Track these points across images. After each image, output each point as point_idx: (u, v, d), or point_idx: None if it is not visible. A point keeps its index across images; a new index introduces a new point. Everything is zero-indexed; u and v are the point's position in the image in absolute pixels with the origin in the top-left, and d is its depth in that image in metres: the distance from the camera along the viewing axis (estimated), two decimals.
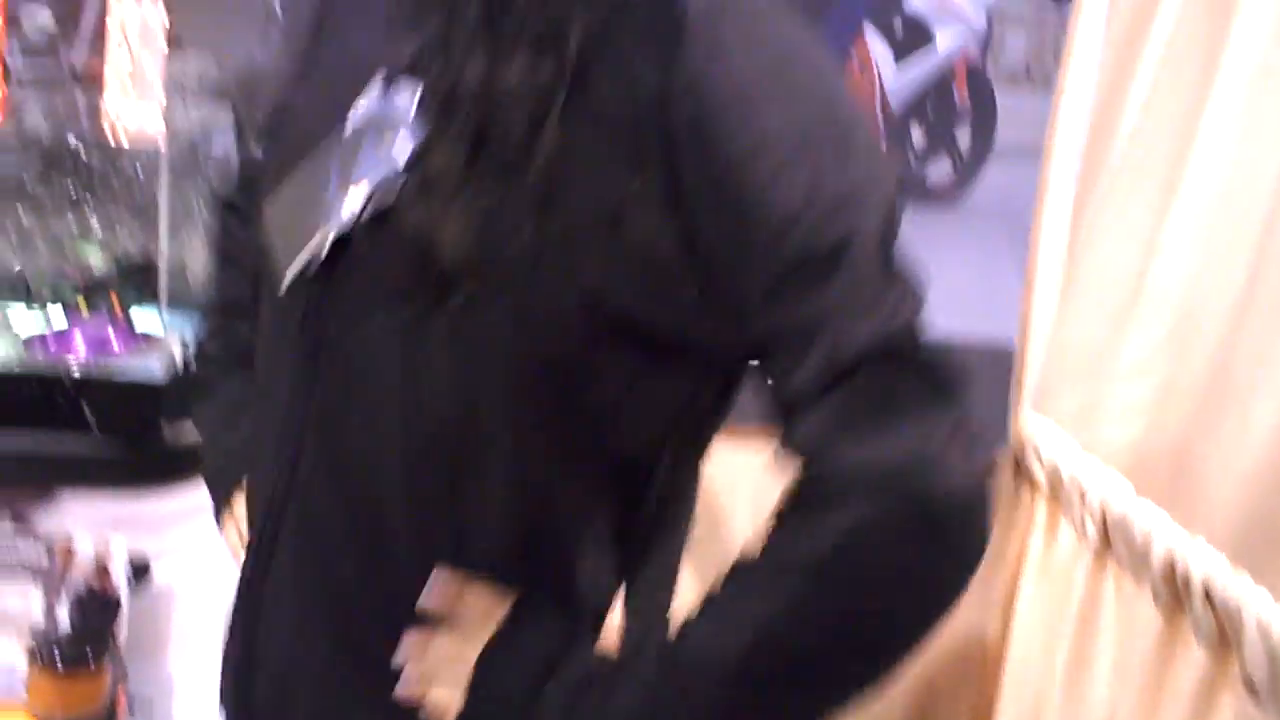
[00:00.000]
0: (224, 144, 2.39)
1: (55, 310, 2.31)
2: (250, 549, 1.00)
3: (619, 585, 0.99)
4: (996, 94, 2.23)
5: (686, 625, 0.86)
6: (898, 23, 2.31)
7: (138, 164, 2.44)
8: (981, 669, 1.61)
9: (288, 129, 1.03)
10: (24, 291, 2.37)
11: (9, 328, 2.24)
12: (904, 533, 0.81)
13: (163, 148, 2.30)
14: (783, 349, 0.85)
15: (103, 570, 2.05)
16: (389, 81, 0.92)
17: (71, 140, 2.44)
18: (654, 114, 0.83)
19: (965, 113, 2.24)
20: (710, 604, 0.86)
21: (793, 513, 0.84)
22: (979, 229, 2.11)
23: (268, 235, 0.99)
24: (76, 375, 2.04)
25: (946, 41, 2.27)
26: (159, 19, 2.30)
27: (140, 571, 2.09)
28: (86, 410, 2.00)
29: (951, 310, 1.99)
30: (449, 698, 0.90)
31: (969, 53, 2.27)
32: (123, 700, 2.03)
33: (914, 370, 0.84)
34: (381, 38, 0.95)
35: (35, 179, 2.49)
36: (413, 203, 0.86)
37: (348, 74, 0.95)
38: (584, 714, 0.86)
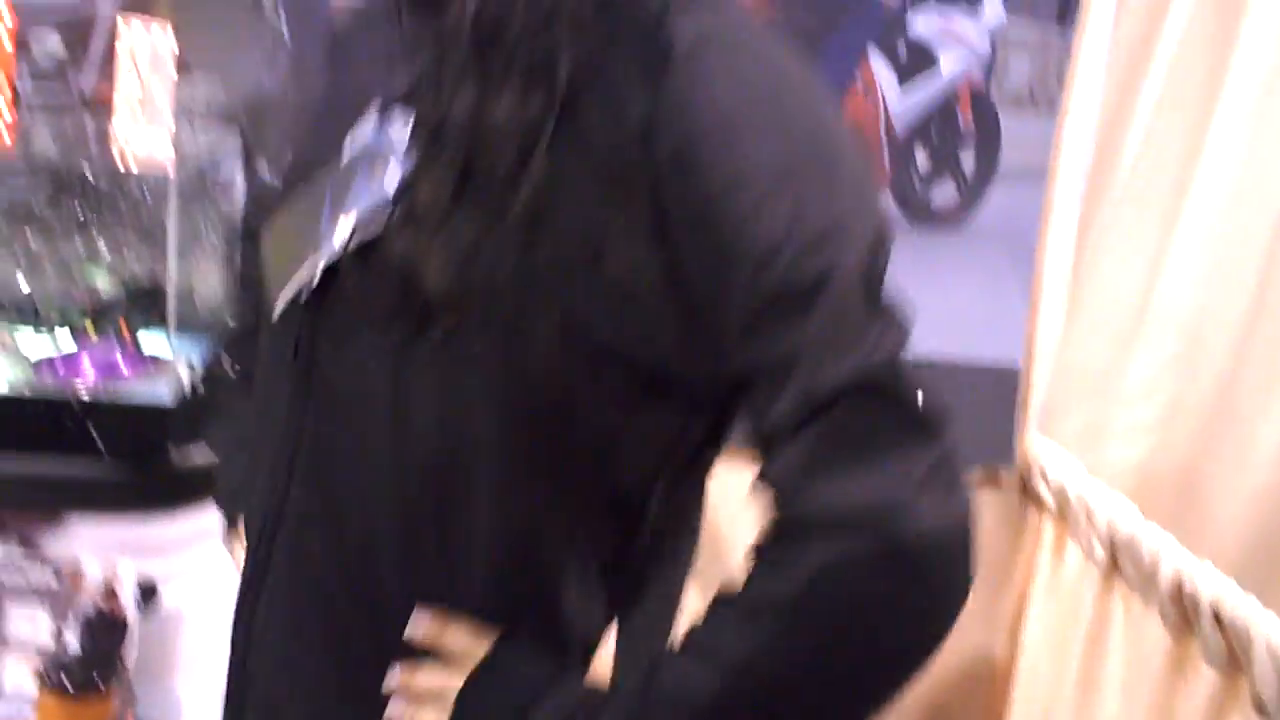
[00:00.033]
0: (232, 168, 2.40)
1: (63, 334, 2.31)
2: (243, 575, 1.00)
3: (611, 619, 0.98)
4: (1000, 117, 2.24)
5: (666, 659, 0.86)
6: (902, 47, 2.33)
7: (146, 188, 2.46)
8: (990, 688, 1.61)
9: (294, 158, 1.05)
10: (32, 315, 2.38)
11: (17, 351, 2.24)
12: (875, 574, 0.80)
13: (171, 173, 2.31)
14: (761, 383, 0.84)
15: (111, 593, 2.05)
16: (384, 113, 0.94)
17: (80, 165, 2.45)
18: (639, 145, 0.84)
19: (969, 135, 2.26)
20: (689, 639, 0.86)
21: (766, 550, 0.84)
22: (983, 251, 2.12)
23: (264, 262, 1.00)
24: (85, 399, 2.04)
25: (950, 65, 2.29)
26: (168, 45, 2.31)
27: (148, 595, 2.09)
28: (94, 434, 2.00)
29: (956, 332, 2.00)
30: None
31: (973, 76, 2.29)
32: None
33: (894, 407, 0.82)
34: (382, 70, 0.97)
35: (44, 203, 2.50)
36: (398, 233, 0.87)
37: (350, 105, 0.97)
38: None
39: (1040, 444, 1.59)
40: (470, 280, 0.85)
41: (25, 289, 2.43)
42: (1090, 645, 1.35)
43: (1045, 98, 2.09)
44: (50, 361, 2.19)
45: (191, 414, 2.04)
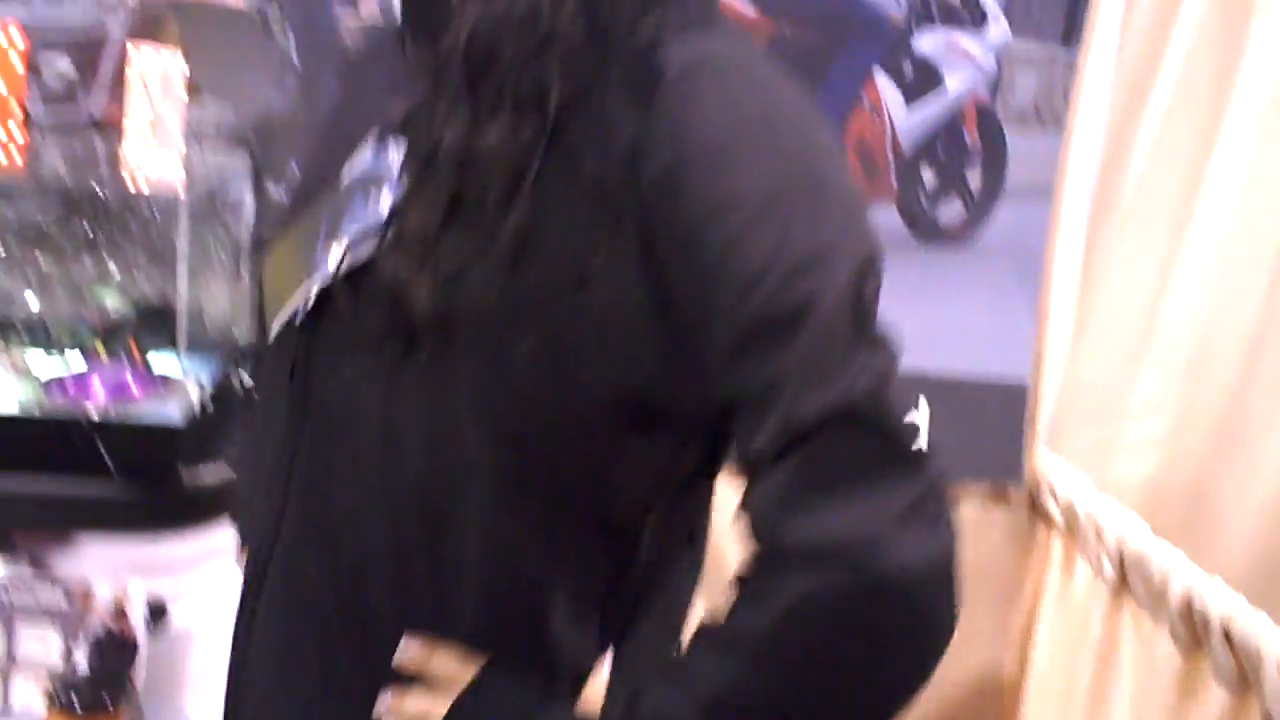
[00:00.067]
0: (241, 189, 2.42)
1: (73, 354, 2.32)
2: (241, 594, 1.01)
3: (603, 647, 0.96)
4: (1007, 134, 2.25)
5: (648, 688, 0.86)
6: (908, 65, 2.34)
7: (155, 209, 2.47)
8: (998, 706, 1.61)
9: (301, 181, 1.06)
10: (43, 336, 2.39)
11: (28, 372, 2.25)
12: (851, 607, 0.79)
13: (182, 194, 2.32)
14: (743, 412, 0.83)
15: (120, 613, 2.06)
16: (382, 138, 0.95)
17: (90, 186, 2.47)
18: (627, 169, 0.84)
19: (976, 153, 2.26)
20: (672, 668, 0.86)
21: (745, 583, 0.83)
22: (990, 268, 2.12)
23: (264, 283, 1.01)
24: (95, 419, 2.05)
25: (956, 83, 2.29)
26: (178, 69, 2.33)
27: (157, 614, 2.10)
28: (105, 454, 2.01)
29: (964, 348, 2.00)
30: None
31: (979, 94, 2.29)
32: None
33: (876, 438, 0.80)
34: (386, 98, 0.97)
35: (54, 224, 2.52)
36: (387, 258, 0.88)
37: (356, 130, 0.98)
38: None
39: (1048, 460, 1.59)
40: (456, 305, 0.85)
41: (37, 310, 2.44)
42: (1100, 663, 1.35)
43: (1051, 115, 2.11)
44: (60, 382, 2.20)
45: (201, 434, 2.05)
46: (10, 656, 2.09)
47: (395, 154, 0.93)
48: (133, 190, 2.36)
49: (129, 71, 2.31)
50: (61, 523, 2.03)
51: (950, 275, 2.20)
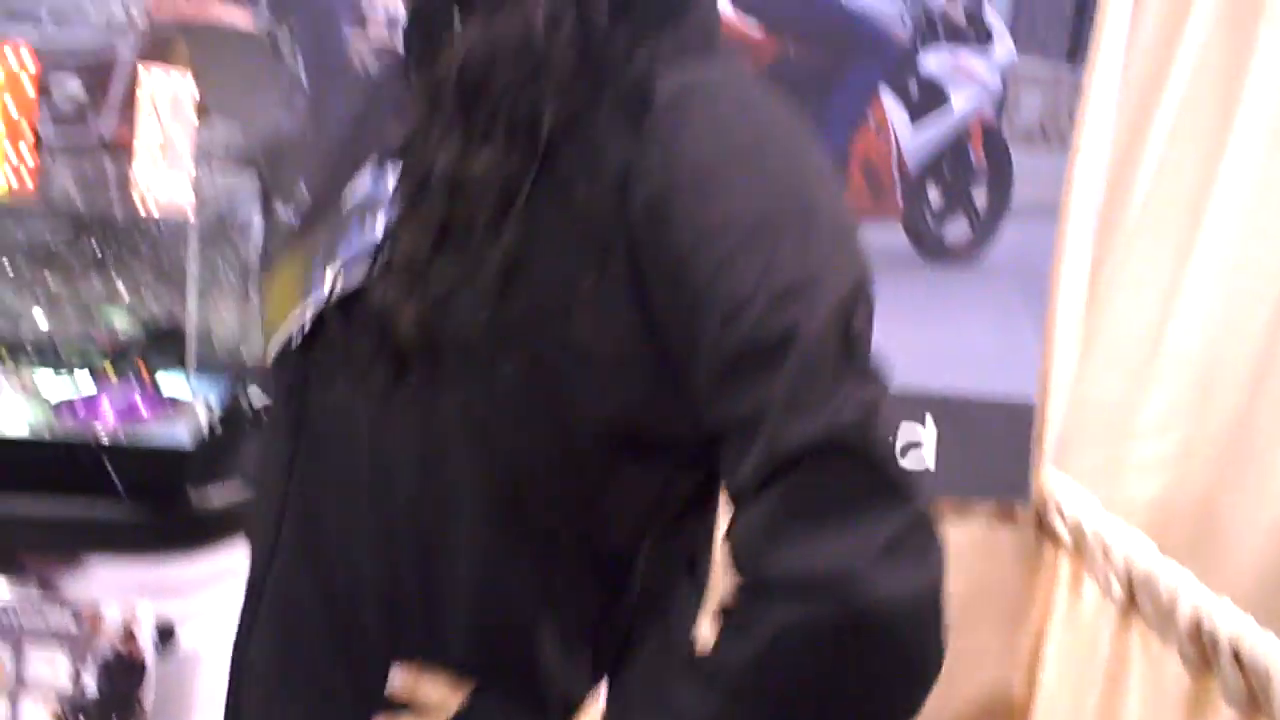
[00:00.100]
0: (250, 211, 2.43)
1: (83, 376, 2.33)
2: (240, 615, 1.01)
3: (597, 677, 0.95)
4: (1012, 153, 2.25)
5: (628, 717, 0.86)
6: (913, 85, 2.34)
7: (164, 230, 2.48)
8: None
9: (310, 206, 1.07)
10: (53, 357, 2.40)
11: (37, 394, 2.26)
12: (832, 640, 0.77)
13: (191, 217, 2.33)
14: (730, 440, 0.83)
15: (129, 636, 2.06)
16: (381, 164, 0.96)
17: (100, 207, 2.48)
18: (617, 196, 0.84)
19: (982, 172, 2.26)
20: (656, 699, 0.85)
21: (728, 614, 0.82)
22: (996, 287, 2.12)
23: (267, 306, 1.02)
24: (104, 441, 2.06)
25: (962, 102, 2.30)
26: (189, 91, 2.34)
27: (166, 636, 2.10)
28: (114, 476, 2.01)
29: (970, 367, 2.00)
30: None
31: (984, 113, 2.29)
32: None
33: (862, 469, 0.79)
34: (392, 123, 0.98)
35: (64, 245, 2.53)
36: (377, 283, 0.89)
37: (361, 156, 0.99)
38: None
39: (1056, 479, 1.59)
40: (444, 330, 0.86)
41: (46, 330, 2.45)
42: (1109, 683, 1.35)
43: (1057, 134, 2.10)
44: (70, 404, 2.21)
45: (210, 455, 2.05)
46: (19, 679, 2.09)
47: (393, 179, 0.93)
48: (142, 212, 2.37)
49: (139, 93, 2.32)
50: (70, 545, 2.03)
51: (956, 294, 2.19)
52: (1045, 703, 1.51)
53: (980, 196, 2.26)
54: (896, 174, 2.32)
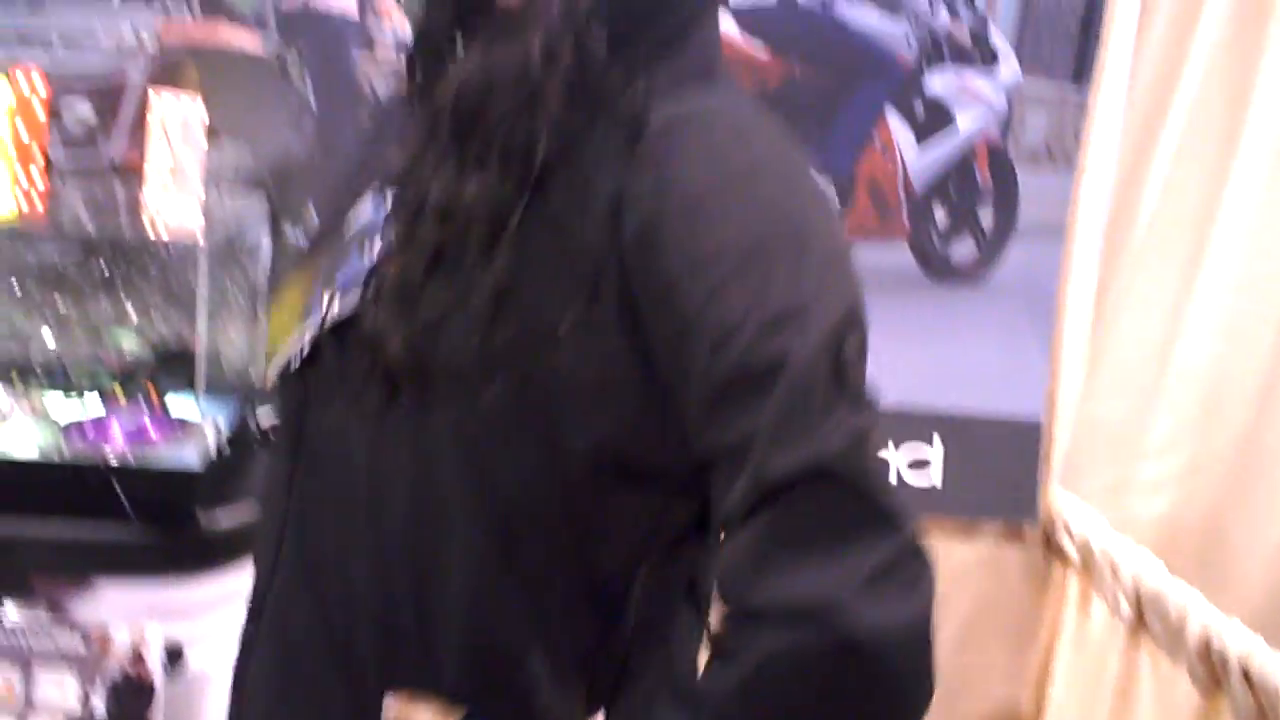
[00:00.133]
0: (259, 233, 2.44)
1: (92, 398, 2.34)
2: (241, 637, 1.02)
3: (593, 707, 0.95)
4: (1018, 173, 2.25)
5: None
6: (919, 105, 2.35)
7: (173, 253, 2.49)
8: None
9: (319, 230, 1.09)
10: (62, 379, 2.40)
11: (46, 416, 2.27)
12: (818, 668, 0.77)
13: (201, 240, 2.34)
14: (719, 469, 0.82)
15: (138, 658, 2.06)
16: (382, 191, 0.97)
17: (110, 230, 2.49)
18: (609, 225, 0.84)
19: (987, 192, 2.26)
20: None
21: (718, 641, 0.82)
22: (1003, 307, 2.12)
23: (270, 330, 1.04)
24: (113, 463, 2.06)
25: (967, 123, 2.30)
26: (199, 115, 2.36)
27: (174, 658, 2.10)
28: (123, 498, 2.02)
29: (977, 386, 2.00)
30: None
31: (990, 133, 2.30)
32: None
33: (850, 497, 0.79)
34: (395, 149, 0.99)
35: (74, 267, 2.54)
36: (369, 308, 0.90)
37: (365, 183, 1.00)
38: None
39: (1063, 498, 1.59)
40: (434, 354, 0.86)
41: (55, 353, 2.46)
42: (1118, 701, 1.34)
43: (1062, 154, 2.11)
44: (79, 426, 2.22)
45: (219, 477, 2.06)
46: (28, 701, 2.09)
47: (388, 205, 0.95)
48: (152, 235, 2.38)
49: (149, 118, 2.34)
50: (79, 567, 2.04)
51: (963, 314, 2.20)
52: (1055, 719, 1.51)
53: (986, 216, 2.27)
54: (903, 194, 2.33)
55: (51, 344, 2.49)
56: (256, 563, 1.01)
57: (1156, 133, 1.54)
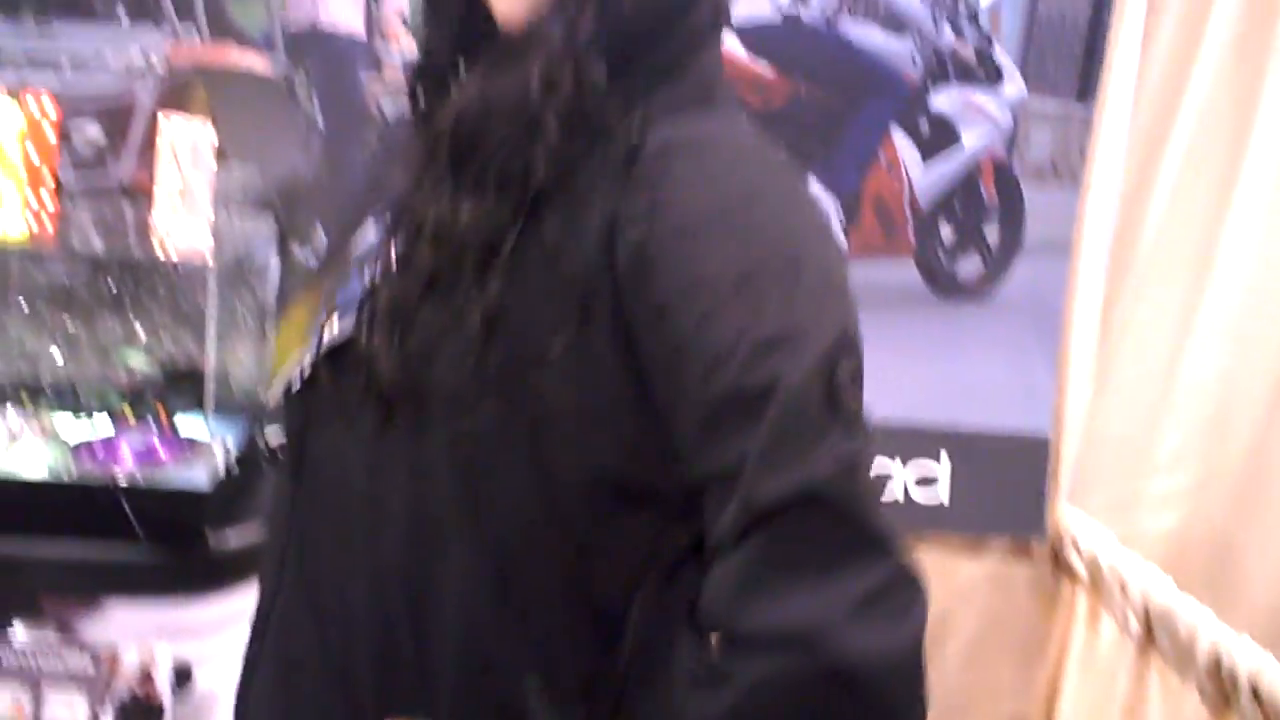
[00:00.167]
0: (267, 253, 2.45)
1: (101, 418, 2.35)
2: (243, 659, 1.02)
3: None
4: (1024, 190, 2.26)
5: None
6: (924, 123, 2.35)
7: (182, 273, 2.50)
8: None
9: (327, 253, 1.10)
10: (72, 399, 2.41)
11: (56, 436, 2.28)
12: (805, 695, 0.76)
13: (210, 262, 2.35)
14: (711, 493, 0.83)
15: (147, 678, 2.06)
16: (383, 216, 0.98)
17: (119, 251, 2.50)
18: (602, 250, 0.85)
19: (993, 209, 2.27)
20: None
21: (704, 666, 0.82)
22: (1009, 323, 2.12)
23: (275, 352, 1.05)
24: (123, 483, 2.07)
25: (973, 140, 2.31)
26: (208, 138, 2.37)
27: (183, 678, 2.10)
28: (132, 518, 2.02)
29: (984, 403, 2.00)
30: None
31: (995, 150, 2.31)
32: None
33: (840, 523, 0.79)
34: (399, 174, 1.00)
35: (83, 288, 2.55)
36: (364, 331, 0.91)
37: (372, 206, 1.01)
38: None
39: (1071, 514, 1.59)
40: (426, 377, 0.87)
41: (65, 373, 2.46)
42: (1128, 718, 1.34)
43: (1068, 171, 2.11)
44: (88, 446, 2.22)
45: (228, 497, 2.06)
46: None
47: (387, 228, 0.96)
48: (161, 257, 2.39)
49: (159, 141, 2.35)
50: (88, 587, 2.04)
51: (969, 330, 2.20)
52: None
53: (992, 233, 2.27)
54: (909, 211, 2.33)
55: (61, 364, 2.49)
56: (260, 583, 1.01)
57: (1161, 149, 1.54)
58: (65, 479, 2.11)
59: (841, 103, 2.36)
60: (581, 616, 0.91)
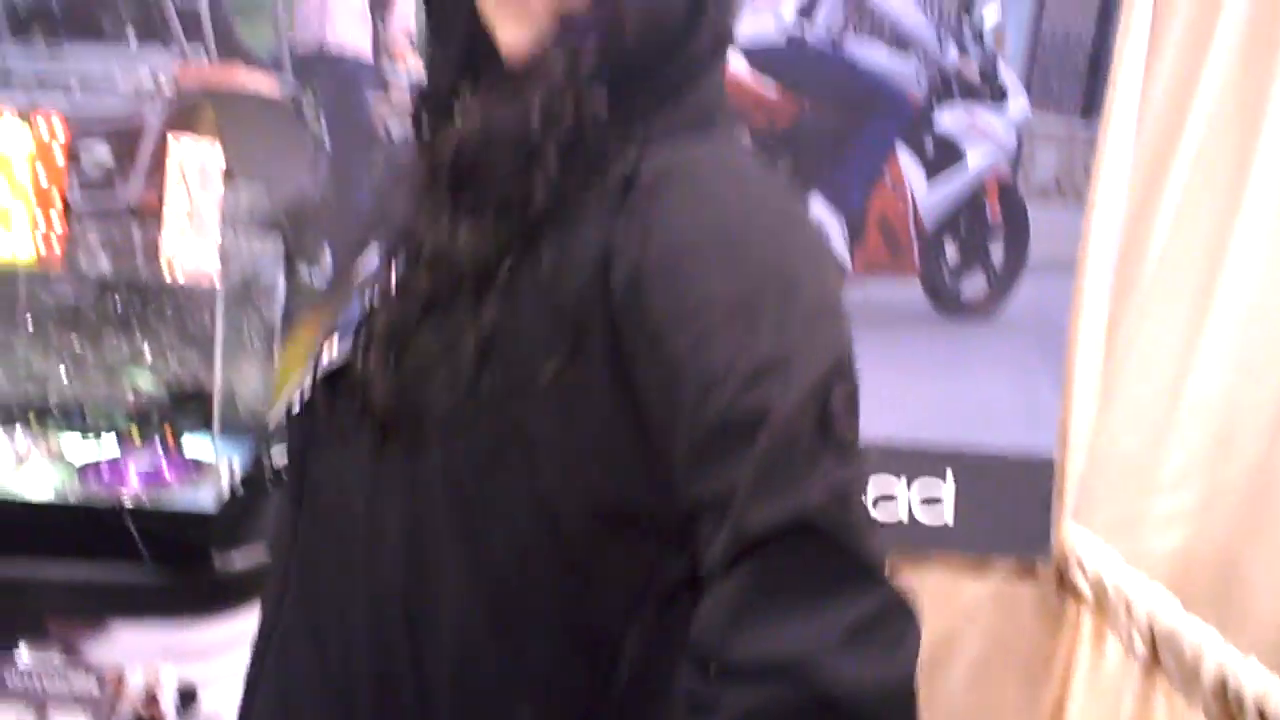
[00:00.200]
0: (274, 274, 2.45)
1: (108, 439, 2.35)
2: (245, 681, 1.02)
3: None
4: (1029, 209, 2.26)
5: None
6: (929, 142, 2.35)
7: (190, 294, 2.51)
8: None
9: (333, 273, 1.11)
10: (78, 420, 2.42)
11: (62, 457, 2.28)
12: None
13: (218, 283, 2.36)
14: (703, 521, 0.82)
15: (152, 700, 2.06)
16: (385, 240, 0.98)
17: (127, 271, 2.51)
18: (597, 277, 0.85)
19: (998, 228, 2.27)
20: None
21: (692, 696, 0.81)
22: (1015, 342, 2.12)
23: (279, 374, 1.05)
24: (128, 505, 2.07)
25: (977, 159, 2.31)
26: (216, 160, 2.38)
27: (188, 699, 2.10)
28: (138, 539, 2.02)
29: (988, 422, 2.00)
30: None
31: (1000, 169, 2.31)
32: None
33: (831, 551, 0.78)
34: (402, 200, 1.01)
35: (90, 309, 2.56)
36: (360, 356, 0.91)
37: (377, 231, 1.02)
38: None
39: (1076, 534, 1.58)
40: (421, 402, 0.87)
41: (72, 393, 2.47)
42: None
43: (1073, 189, 2.11)
44: (95, 467, 2.23)
45: (233, 518, 2.07)
46: None
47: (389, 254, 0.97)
48: (169, 279, 2.40)
49: (167, 162, 2.36)
50: (94, 608, 2.04)
51: (974, 349, 2.20)
52: None
53: (997, 252, 2.27)
54: (913, 231, 2.33)
55: (68, 385, 2.50)
56: (263, 604, 1.02)
57: (1166, 167, 1.54)
58: (71, 500, 2.11)
59: (846, 122, 2.36)
60: (577, 645, 0.90)
